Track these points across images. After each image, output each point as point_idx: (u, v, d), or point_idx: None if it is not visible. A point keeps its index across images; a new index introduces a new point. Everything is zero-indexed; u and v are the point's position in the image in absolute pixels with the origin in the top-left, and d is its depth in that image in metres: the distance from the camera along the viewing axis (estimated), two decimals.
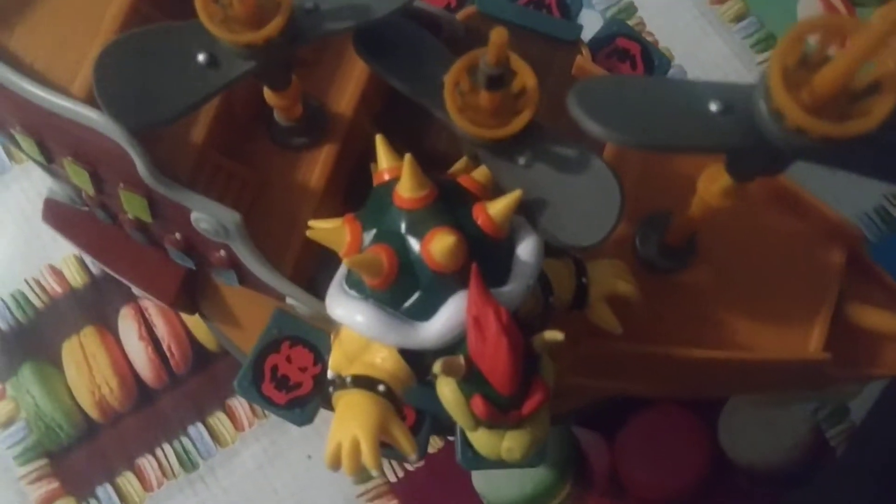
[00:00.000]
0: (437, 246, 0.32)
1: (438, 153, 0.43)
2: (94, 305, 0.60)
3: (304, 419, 0.45)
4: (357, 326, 0.34)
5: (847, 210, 0.46)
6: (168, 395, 0.59)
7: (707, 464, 0.58)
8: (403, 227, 0.34)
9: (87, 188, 0.41)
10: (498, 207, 0.34)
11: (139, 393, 0.59)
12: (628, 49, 0.49)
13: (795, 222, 0.42)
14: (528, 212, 0.35)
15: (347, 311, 0.34)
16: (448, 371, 0.32)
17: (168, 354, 0.59)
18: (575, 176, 0.35)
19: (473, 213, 0.34)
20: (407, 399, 0.36)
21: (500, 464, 0.38)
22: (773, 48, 0.64)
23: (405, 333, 0.34)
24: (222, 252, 0.41)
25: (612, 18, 0.64)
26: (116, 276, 0.49)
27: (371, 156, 0.44)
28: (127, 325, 0.60)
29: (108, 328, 0.60)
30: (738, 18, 0.66)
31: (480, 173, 0.36)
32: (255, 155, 0.43)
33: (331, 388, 0.35)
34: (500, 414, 0.32)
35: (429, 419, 0.46)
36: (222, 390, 0.59)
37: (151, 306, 0.60)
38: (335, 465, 0.33)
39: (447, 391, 0.33)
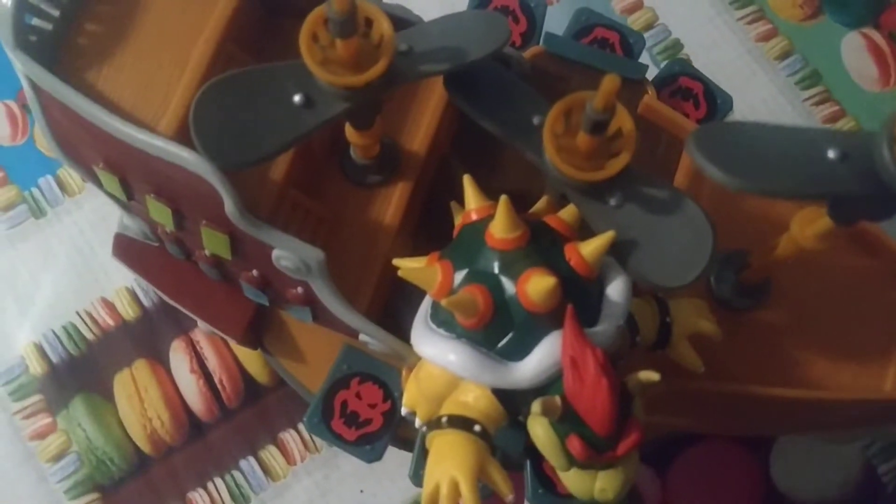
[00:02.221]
0: (535, 287, 0.33)
1: (505, 190, 0.43)
2: (145, 338, 0.60)
3: (374, 456, 0.44)
4: (451, 366, 0.34)
5: None
6: (219, 428, 0.59)
7: (759, 499, 0.58)
8: (497, 267, 0.34)
9: (168, 224, 0.41)
10: (591, 248, 0.34)
11: (190, 426, 0.59)
12: (691, 88, 0.49)
13: (868, 260, 0.42)
14: (617, 252, 0.35)
15: (439, 349, 0.34)
16: (545, 412, 0.32)
17: (219, 387, 0.59)
18: (666, 217, 0.35)
19: (566, 254, 0.34)
20: None
21: (570, 502, 0.38)
22: (817, 85, 0.65)
23: (499, 373, 0.34)
24: (299, 289, 0.41)
25: (660, 56, 0.64)
26: (185, 312, 0.49)
27: (438, 191, 0.45)
28: (178, 358, 0.60)
29: (160, 361, 0.60)
30: (783, 56, 0.66)
31: (568, 213, 0.37)
32: (330, 192, 0.43)
33: (424, 429, 0.35)
34: (596, 454, 0.32)
35: (498, 454, 0.45)
36: (274, 423, 0.59)
37: (203, 339, 0.60)
38: None
39: (541, 431, 0.33)
